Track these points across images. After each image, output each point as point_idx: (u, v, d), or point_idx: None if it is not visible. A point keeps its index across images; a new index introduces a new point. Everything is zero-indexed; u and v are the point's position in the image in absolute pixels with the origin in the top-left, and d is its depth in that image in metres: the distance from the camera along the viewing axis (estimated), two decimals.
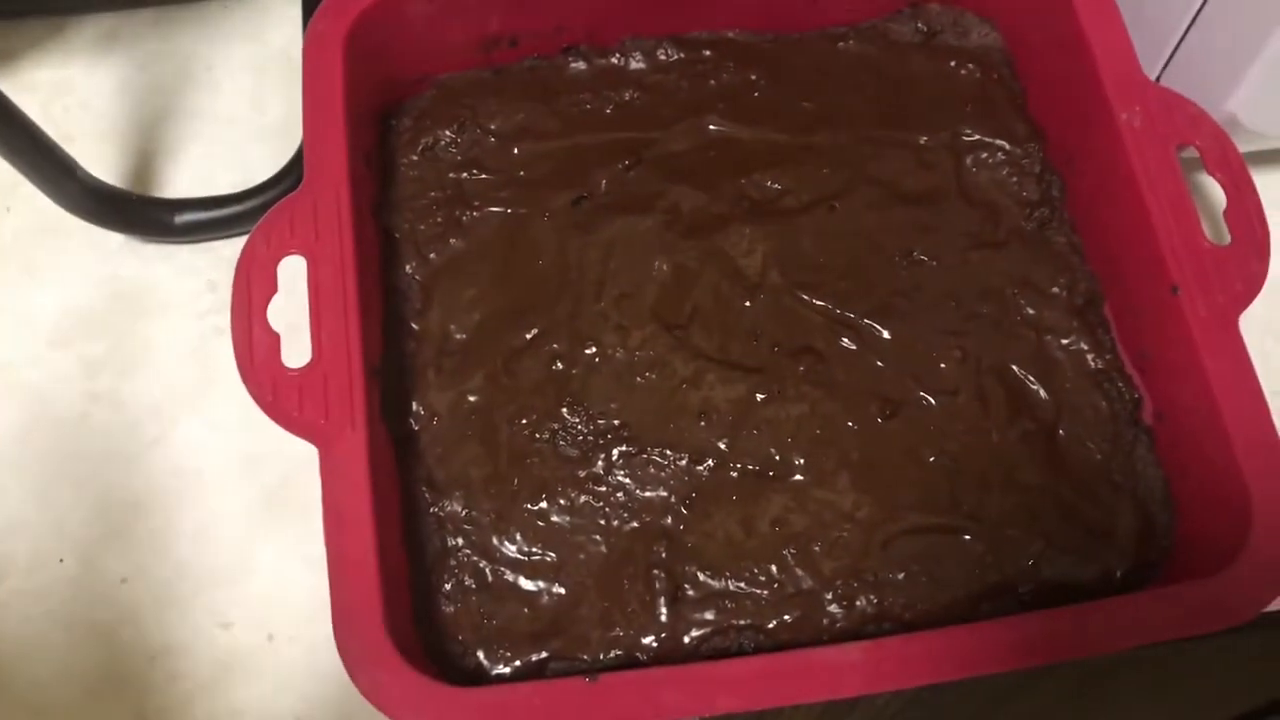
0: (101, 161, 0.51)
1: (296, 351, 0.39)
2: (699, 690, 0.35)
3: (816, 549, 0.41)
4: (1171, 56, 0.47)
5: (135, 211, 0.49)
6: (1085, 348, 0.44)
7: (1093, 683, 0.58)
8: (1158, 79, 0.48)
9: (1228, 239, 0.42)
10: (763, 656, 0.37)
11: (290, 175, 0.50)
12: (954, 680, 0.36)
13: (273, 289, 0.41)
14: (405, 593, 0.40)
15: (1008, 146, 0.48)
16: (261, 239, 0.41)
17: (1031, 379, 0.44)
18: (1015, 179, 0.48)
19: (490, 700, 0.35)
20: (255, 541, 0.45)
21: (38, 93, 0.53)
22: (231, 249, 0.50)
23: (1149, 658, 0.55)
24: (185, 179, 0.52)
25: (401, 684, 0.35)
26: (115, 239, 0.50)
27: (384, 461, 0.41)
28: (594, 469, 0.42)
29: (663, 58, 0.50)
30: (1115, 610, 0.38)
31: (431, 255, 0.46)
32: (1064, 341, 0.45)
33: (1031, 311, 0.45)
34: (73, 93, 0.53)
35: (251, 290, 0.41)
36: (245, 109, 0.54)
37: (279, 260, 0.41)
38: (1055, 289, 0.45)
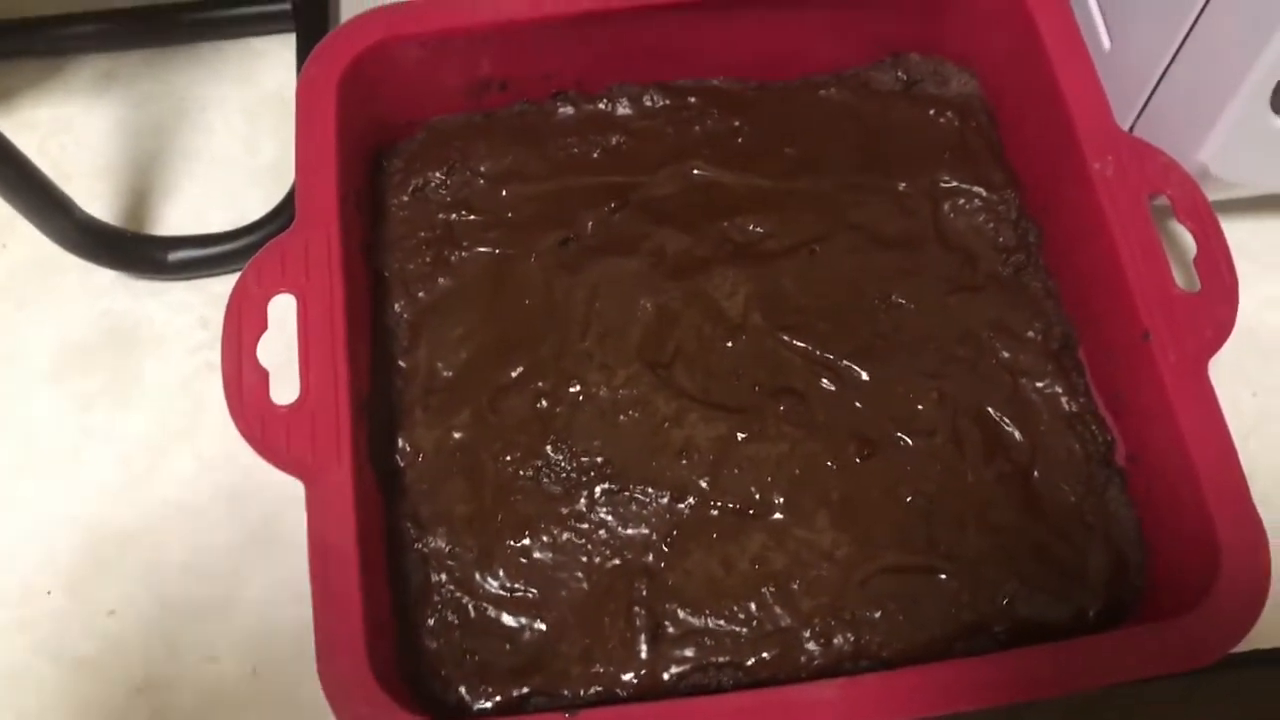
0: (97, 199, 0.52)
1: (285, 388, 0.40)
2: None
3: (795, 587, 0.42)
4: (1144, 108, 0.48)
5: (129, 248, 0.50)
6: (1060, 391, 0.45)
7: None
8: (1130, 129, 0.49)
9: (1198, 286, 0.43)
10: (740, 694, 0.37)
11: (282, 215, 0.51)
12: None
13: (263, 326, 0.41)
14: (389, 628, 0.41)
15: (985, 193, 0.49)
16: (253, 277, 0.42)
17: (1007, 421, 0.45)
18: (992, 225, 0.49)
19: None
20: (242, 575, 0.45)
21: (36, 131, 0.54)
22: (223, 286, 0.50)
23: (1130, 697, 0.56)
24: (179, 217, 0.53)
25: (384, 718, 0.36)
26: (109, 275, 0.51)
27: (369, 498, 0.42)
28: (577, 506, 0.43)
29: (649, 104, 0.51)
30: (1087, 649, 0.38)
31: (420, 294, 0.47)
32: (1039, 384, 0.45)
33: (1007, 355, 0.46)
34: (70, 131, 0.55)
35: (242, 327, 0.41)
36: (238, 150, 0.55)
37: (270, 298, 0.42)
38: (1031, 333, 0.46)
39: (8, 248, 0.52)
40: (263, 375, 0.41)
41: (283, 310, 0.42)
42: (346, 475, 0.39)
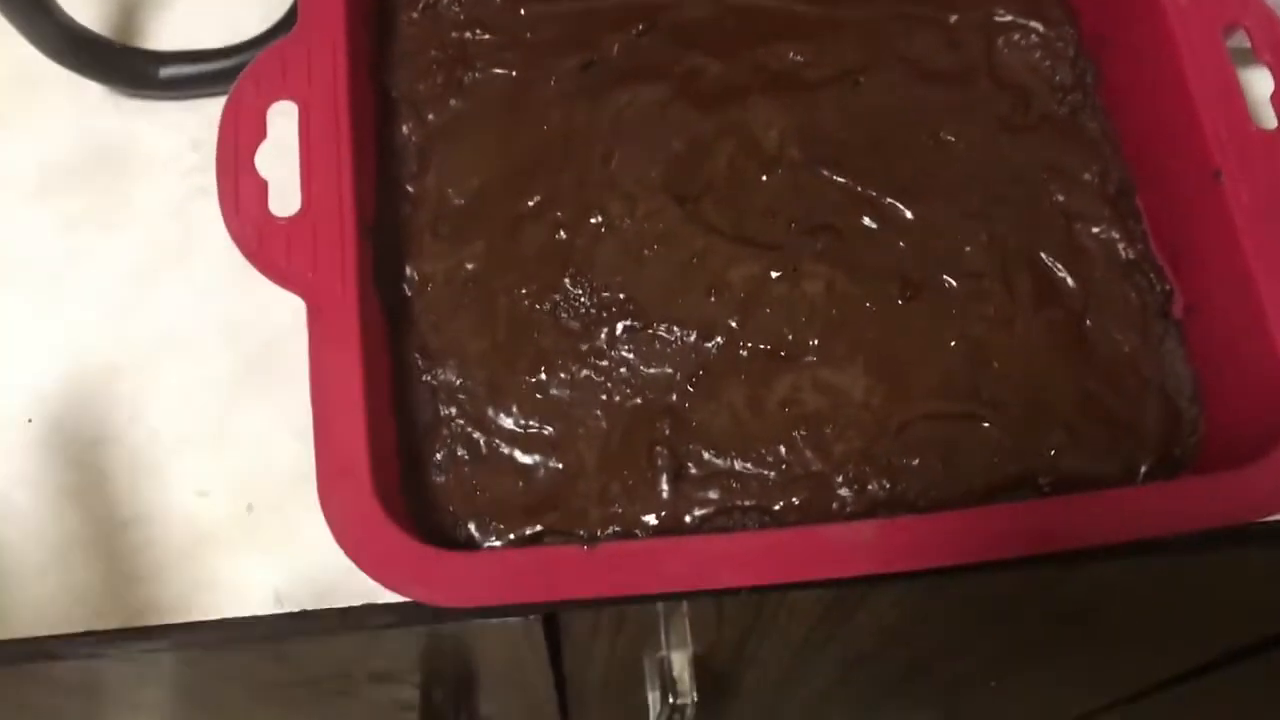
0: (82, 8, 0.48)
1: (285, 203, 0.37)
2: (702, 562, 0.34)
3: (828, 431, 0.39)
4: None
5: (116, 60, 0.46)
6: (1116, 237, 0.42)
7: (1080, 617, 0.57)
8: None
9: (1274, 124, 0.40)
10: (770, 531, 0.35)
11: (279, 33, 0.47)
12: (970, 567, 0.35)
13: (262, 135, 0.38)
14: (393, 461, 0.38)
15: (1041, 28, 0.46)
16: (251, 81, 0.39)
17: (1059, 266, 0.42)
18: (1048, 62, 0.45)
19: (484, 564, 0.34)
20: (236, 409, 0.43)
21: None
22: (217, 107, 0.46)
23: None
24: (169, 36, 0.49)
25: (390, 546, 0.33)
26: (94, 91, 0.47)
27: (374, 325, 0.39)
28: (596, 342, 0.40)
29: None
30: (1138, 498, 0.36)
31: (430, 116, 0.44)
32: (1094, 230, 0.42)
33: (1062, 198, 0.43)
34: None
35: (239, 133, 0.38)
36: None
37: (269, 105, 0.39)
38: (1087, 176, 0.43)
39: None
40: (261, 185, 0.38)
41: (281, 127, 0.38)
42: (350, 293, 0.36)
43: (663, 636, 0.56)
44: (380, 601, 0.40)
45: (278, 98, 0.39)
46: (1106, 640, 0.65)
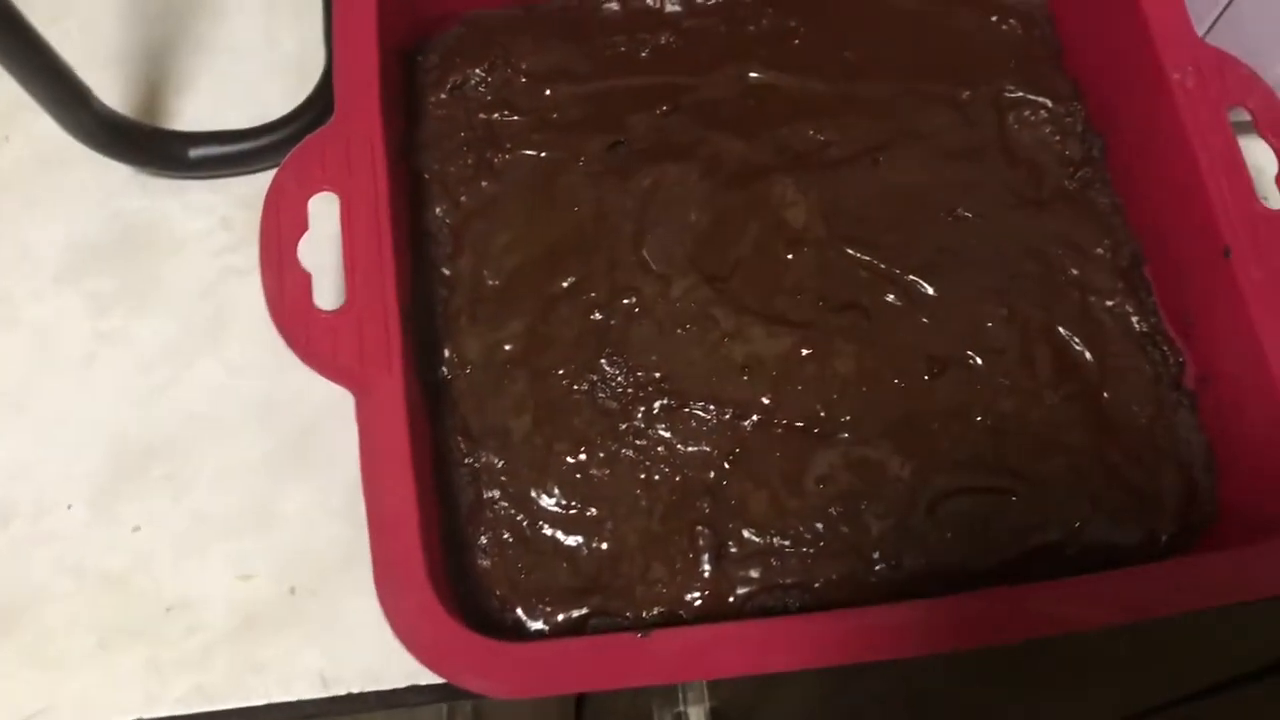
0: (104, 90, 0.48)
1: (325, 294, 0.38)
2: (753, 649, 0.35)
3: (863, 508, 0.40)
4: (1220, 16, 0.46)
5: (149, 143, 0.46)
6: (1129, 309, 0.44)
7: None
8: (1204, 38, 0.47)
9: (1278, 203, 0.42)
10: (818, 615, 0.36)
11: (308, 111, 0.48)
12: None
13: (303, 227, 0.39)
14: (438, 546, 0.39)
15: (1050, 104, 0.47)
16: (291, 174, 0.39)
17: (1077, 340, 0.43)
18: (1058, 138, 0.47)
19: (542, 655, 0.34)
20: (276, 491, 0.43)
21: (36, 13, 0.50)
22: (247, 186, 0.47)
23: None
24: (193, 112, 0.50)
25: (448, 639, 0.34)
26: (121, 172, 0.48)
27: (416, 410, 0.39)
28: (634, 422, 0.41)
29: (700, 1, 0.48)
30: (1167, 574, 0.37)
31: (463, 198, 0.44)
32: (1109, 303, 0.44)
33: (1076, 272, 0.44)
34: (74, 16, 0.51)
35: (281, 227, 0.39)
36: (257, 41, 0.51)
37: (310, 197, 0.39)
38: (1099, 250, 0.45)
39: (10, 140, 0.48)
40: (305, 278, 0.38)
41: (315, 213, 0.39)
42: (397, 384, 0.37)
43: (680, 693, 0.57)
44: (424, 683, 0.40)
45: (318, 189, 0.39)
46: (1111, 668, 0.67)
